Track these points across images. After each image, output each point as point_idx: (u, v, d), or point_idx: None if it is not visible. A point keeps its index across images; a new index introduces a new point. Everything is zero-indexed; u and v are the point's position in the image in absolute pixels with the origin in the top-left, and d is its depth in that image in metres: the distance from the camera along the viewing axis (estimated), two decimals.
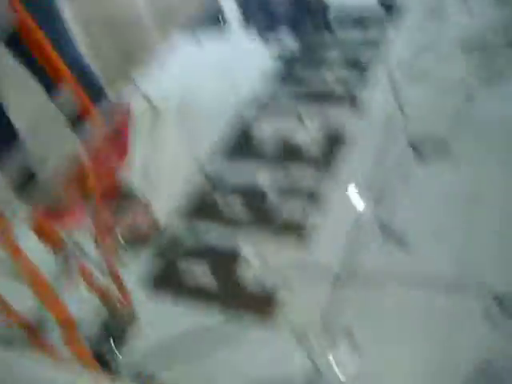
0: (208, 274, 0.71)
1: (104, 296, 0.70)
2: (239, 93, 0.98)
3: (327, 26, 1.09)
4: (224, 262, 0.72)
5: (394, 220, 0.70)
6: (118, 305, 0.69)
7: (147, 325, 0.68)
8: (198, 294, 0.70)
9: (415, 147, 0.78)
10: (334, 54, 1.01)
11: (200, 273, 0.71)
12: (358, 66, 0.97)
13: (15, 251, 0.70)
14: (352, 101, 0.90)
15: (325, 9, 1.14)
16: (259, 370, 0.60)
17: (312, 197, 0.75)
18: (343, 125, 0.86)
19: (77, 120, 1.38)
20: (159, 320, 0.68)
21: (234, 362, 0.61)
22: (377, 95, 0.91)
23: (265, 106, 0.93)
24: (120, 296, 0.70)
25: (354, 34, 1.06)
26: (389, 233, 0.68)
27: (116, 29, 2.35)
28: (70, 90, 1.38)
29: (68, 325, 0.66)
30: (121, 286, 0.71)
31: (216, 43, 1.17)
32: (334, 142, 0.83)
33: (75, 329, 0.66)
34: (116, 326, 0.68)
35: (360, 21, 1.09)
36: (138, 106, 1.04)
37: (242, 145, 0.88)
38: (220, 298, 0.68)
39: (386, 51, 0.99)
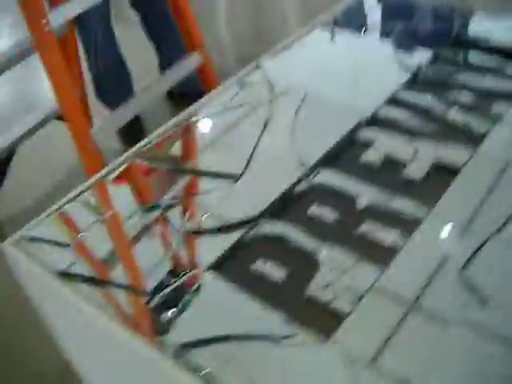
0: (280, 271, 0.71)
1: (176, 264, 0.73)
2: (361, 102, 0.99)
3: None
4: (300, 265, 0.72)
5: (479, 269, 0.67)
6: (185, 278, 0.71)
7: (203, 303, 0.68)
8: (265, 287, 0.70)
9: None
10: (466, 82, 1.00)
11: (272, 268, 0.72)
12: (487, 108, 0.94)
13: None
14: (472, 136, 0.88)
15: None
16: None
17: (406, 224, 0.74)
18: (457, 158, 0.84)
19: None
20: (217, 302, 0.68)
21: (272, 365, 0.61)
22: (501, 137, 0.88)
23: (383, 122, 0.93)
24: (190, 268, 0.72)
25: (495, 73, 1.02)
26: (470, 283, 0.65)
27: (257, 8, 2.47)
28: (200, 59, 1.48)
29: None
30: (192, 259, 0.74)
31: (351, 44, 1.17)
32: (444, 174, 0.82)
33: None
34: (178, 297, 0.69)
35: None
36: (260, 88, 1.04)
37: (350, 156, 0.88)
38: (284, 298, 0.68)
39: None
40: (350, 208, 0.81)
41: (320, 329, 0.64)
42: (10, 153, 1.67)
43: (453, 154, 0.86)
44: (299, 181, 0.86)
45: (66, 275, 0.74)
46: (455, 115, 0.94)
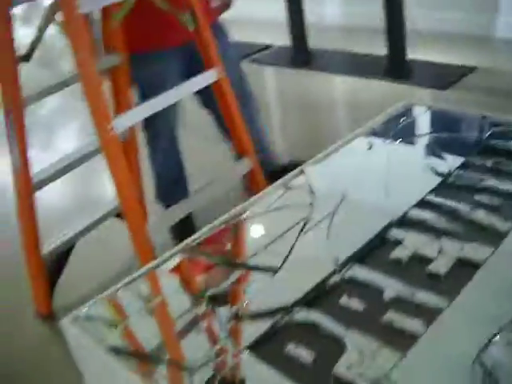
0: (309, 353, 0.80)
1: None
2: (393, 204, 1.09)
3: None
4: (328, 349, 0.80)
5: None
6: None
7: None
8: (296, 368, 0.79)
9: None
10: (492, 187, 1.09)
11: (303, 351, 0.81)
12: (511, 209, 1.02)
13: None
14: (495, 235, 0.96)
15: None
16: None
17: (428, 315, 0.82)
18: (480, 254, 0.92)
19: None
20: (253, 380, 0.79)
21: None
22: None
23: (412, 222, 1.03)
24: None
25: None
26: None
27: (309, 113, 2.72)
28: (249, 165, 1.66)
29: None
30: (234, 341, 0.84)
31: (388, 152, 1.29)
32: (466, 269, 0.89)
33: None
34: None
35: None
36: (303, 191, 1.17)
37: (380, 253, 0.98)
38: (313, 377, 0.76)
39: None
40: (377, 299, 0.88)
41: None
42: (70, 246, 1.84)
43: (476, 250, 0.93)
44: (332, 274, 0.95)
45: (116, 350, 0.84)
46: (479, 215, 1.02)
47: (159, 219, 1.71)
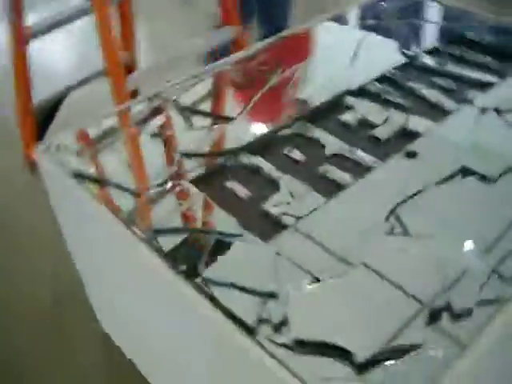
0: (245, 190, 0.89)
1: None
2: (354, 79, 1.14)
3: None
4: (263, 188, 0.88)
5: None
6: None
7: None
8: (231, 200, 0.87)
9: None
10: (451, 72, 1.15)
11: (240, 187, 0.90)
12: (462, 92, 1.08)
13: None
14: (440, 112, 1.03)
15: None
16: None
17: (360, 171, 0.90)
18: (421, 127, 0.99)
19: None
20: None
21: None
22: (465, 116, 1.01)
23: (367, 93, 1.09)
24: None
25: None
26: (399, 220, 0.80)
27: None
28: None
29: None
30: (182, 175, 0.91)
31: (358, 33, 1.33)
32: (406, 138, 0.97)
33: None
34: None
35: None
36: None
37: (331, 115, 1.04)
38: (245, 210, 0.85)
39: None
40: (318, 153, 0.95)
41: (264, 233, 0.79)
42: (61, 98, 1.88)
43: (418, 123, 0.99)
44: (282, 128, 1.01)
45: (81, 175, 0.91)
46: (431, 94, 1.07)
47: (139, 74, 1.74)
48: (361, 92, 1.10)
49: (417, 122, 0.99)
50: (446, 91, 1.08)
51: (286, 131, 1.01)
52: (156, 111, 1.07)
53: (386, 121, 1.01)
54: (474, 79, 1.11)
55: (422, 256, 0.74)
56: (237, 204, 0.86)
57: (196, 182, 0.90)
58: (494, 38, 1.25)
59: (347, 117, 1.03)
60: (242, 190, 0.89)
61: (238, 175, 0.92)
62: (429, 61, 1.19)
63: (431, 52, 1.22)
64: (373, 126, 1.00)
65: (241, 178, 0.91)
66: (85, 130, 1.03)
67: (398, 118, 1.01)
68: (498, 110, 0.99)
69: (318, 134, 0.99)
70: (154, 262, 0.76)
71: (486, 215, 0.80)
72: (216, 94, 1.16)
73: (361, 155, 0.93)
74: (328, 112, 1.05)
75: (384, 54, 1.23)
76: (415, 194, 0.84)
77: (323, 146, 0.96)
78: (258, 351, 0.63)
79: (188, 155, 0.96)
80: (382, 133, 0.98)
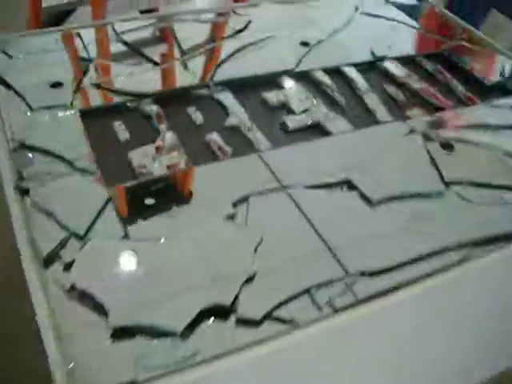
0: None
1: None
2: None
3: None
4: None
5: None
6: None
7: None
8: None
9: None
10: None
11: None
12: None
13: None
14: None
15: None
16: None
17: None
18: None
19: None
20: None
21: None
22: None
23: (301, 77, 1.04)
24: None
25: None
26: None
27: None
28: None
29: None
30: None
31: None
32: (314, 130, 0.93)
33: None
34: None
35: None
36: None
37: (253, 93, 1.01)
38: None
39: None
40: (219, 121, 0.91)
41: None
42: (70, 10, 1.88)
43: (336, 124, 0.93)
44: (200, 87, 0.97)
45: None
46: (371, 100, 1.01)
47: None
48: (302, 76, 1.03)
49: (336, 123, 0.92)
50: (394, 101, 1.01)
51: (203, 91, 0.97)
52: None
53: (305, 111, 0.94)
54: (428, 100, 1.03)
55: None
56: (115, 144, 0.84)
57: (85, 113, 0.88)
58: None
59: (269, 95, 0.97)
60: (123, 134, 0.86)
61: (127, 118, 0.89)
62: (394, 68, 1.10)
63: (406, 60, 1.13)
64: (290, 113, 0.94)
65: (128, 121, 0.88)
66: None
67: (319, 113, 0.94)
68: (426, 136, 0.91)
69: (230, 103, 0.94)
70: None
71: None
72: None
73: (257, 136, 0.88)
74: (254, 86, 0.99)
75: (361, 45, 1.15)
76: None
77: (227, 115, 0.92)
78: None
79: (97, 85, 0.94)
80: (293, 122, 0.92)
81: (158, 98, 0.94)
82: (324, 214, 0.75)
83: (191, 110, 0.93)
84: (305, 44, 1.13)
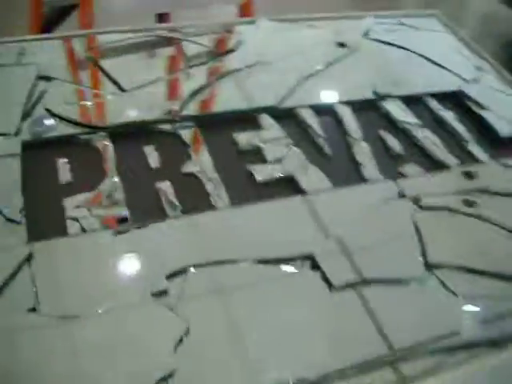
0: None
1: None
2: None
3: None
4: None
5: None
6: None
7: None
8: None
9: None
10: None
11: None
12: None
13: None
14: None
15: None
16: None
17: None
18: None
19: None
20: None
21: None
22: None
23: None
24: None
25: None
26: None
27: None
28: None
29: None
30: None
31: None
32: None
33: None
34: None
35: None
36: None
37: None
38: None
39: None
40: (177, 162, 0.79)
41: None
42: (72, 5, 1.78)
43: (310, 180, 0.80)
44: (165, 122, 0.85)
45: None
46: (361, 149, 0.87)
47: None
48: (287, 114, 0.91)
49: (312, 179, 0.80)
50: (388, 153, 0.88)
51: (166, 127, 0.85)
52: None
53: (279, 161, 0.82)
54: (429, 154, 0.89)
55: None
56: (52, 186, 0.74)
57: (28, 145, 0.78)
58: None
59: (241, 137, 0.85)
60: (65, 174, 0.76)
61: (75, 154, 0.79)
62: (396, 109, 0.96)
63: (412, 99, 0.99)
64: (261, 160, 0.82)
65: (75, 158, 0.78)
66: None
67: (294, 164, 0.82)
68: (417, 201, 0.78)
69: (193, 143, 0.83)
70: None
71: None
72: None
73: (217, 190, 0.76)
74: (228, 123, 0.88)
75: (363, 78, 1.02)
76: None
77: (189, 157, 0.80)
78: None
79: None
80: (261, 173, 0.80)
81: (113, 133, 0.83)
82: (273, 300, 0.63)
83: (148, 149, 0.82)
84: (297, 73, 0.99)
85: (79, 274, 0.63)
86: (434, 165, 0.87)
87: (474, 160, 0.88)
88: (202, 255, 0.66)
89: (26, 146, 0.78)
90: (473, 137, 0.93)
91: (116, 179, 0.76)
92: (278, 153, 0.84)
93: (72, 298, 0.60)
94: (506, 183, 0.83)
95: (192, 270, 0.65)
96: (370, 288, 0.66)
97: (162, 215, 0.72)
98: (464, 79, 1.06)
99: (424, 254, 0.71)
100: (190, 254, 0.66)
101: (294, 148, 0.85)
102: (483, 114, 0.97)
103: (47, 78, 0.90)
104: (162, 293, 0.62)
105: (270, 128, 0.88)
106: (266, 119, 0.89)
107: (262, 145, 0.85)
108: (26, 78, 0.89)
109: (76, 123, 0.83)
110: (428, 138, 0.91)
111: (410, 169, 0.86)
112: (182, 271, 0.65)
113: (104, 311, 0.59)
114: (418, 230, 0.74)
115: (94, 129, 0.82)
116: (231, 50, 1.03)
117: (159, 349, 0.57)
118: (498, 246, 0.73)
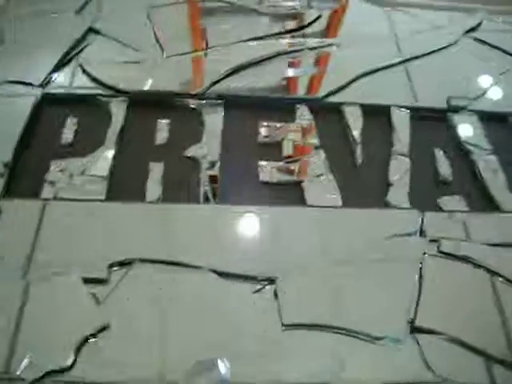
0: None
1: None
2: None
3: None
4: None
5: None
6: None
7: None
8: None
9: None
10: None
11: None
12: None
13: None
14: None
15: None
16: None
17: None
18: None
19: None
20: None
21: None
22: None
23: None
24: None
25: None
26: None
27: None
28: None
29: None
30: None
31: None
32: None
33: None
34: None
35: None
36: None
37: None
38: None
39: None
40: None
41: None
42: None
43: None
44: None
45: None
46: None
47: None
48: (330, 109, 0.80)
49: (320, 190, 0.70)
50: (434, 177, 0.74)
51: (191, 100, 0.79)
52: None
53: (294, 161, 0.72)
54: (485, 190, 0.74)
55: None
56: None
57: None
58: None
59: (265, 128, 0.77)
60: (68, 136, 0.74)
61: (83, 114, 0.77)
62: (466, 126, 0.80)
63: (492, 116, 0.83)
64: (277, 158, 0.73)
65: (84, 119, 0.76)
66: None
67: (308, 170, 0.72)
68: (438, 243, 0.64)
69: (213, 123, 0.76)
70: None
71: None
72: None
73: (203, 180, 0.70)
74: (260, 108, 0.80)
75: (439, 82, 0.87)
76: None
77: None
78: None
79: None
80: (266, 174, 0.71)
81: (134, 99, 0.79)
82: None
83: (161, 123, 0.77)
84: (363, 64, 0.86)
85: (27, 238, 0.60)
86: (485, 203, 0.71)
87: None
88: (159, 250, 0.60)
89: (44, 100, 0.77)
90: None
91: (112, 151, 0.71)
92: (296, 151, 0.74)
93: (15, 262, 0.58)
94: None
95: (138, 265, 0.59)
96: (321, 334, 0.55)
97: (140, 198, 0.67)
98: None
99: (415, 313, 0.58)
100: (148, 246, 0.61)
101: (320, 150, 0.74)
102: None
103: (96, 32, 0.88)
104: (99, 281, 0.58)
105: (301, 121, 0.78)
106: (303, 112, 0.79)
107: (284, 140, 0.75)
108: (78, 28, 0.88)
109: (101, 83, 0.79)
110: (491, 169, 0.75)
111: (451, 202, 0.71)
112: (129, 262, 0.59)
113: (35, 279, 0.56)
114: (421, 280, 0.61)
115: (117, 92, 0.78)
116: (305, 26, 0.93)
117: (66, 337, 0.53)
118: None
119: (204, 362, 0.52)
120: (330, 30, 0.92)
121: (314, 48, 0.89)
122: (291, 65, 0.85)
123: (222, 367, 0.52)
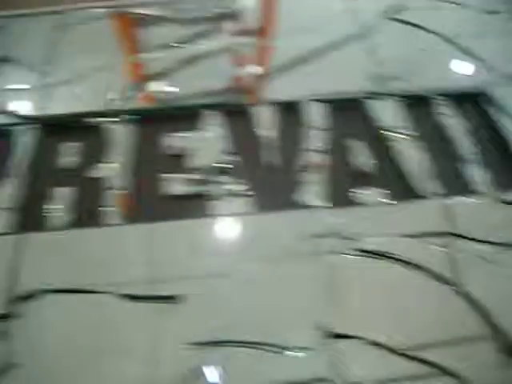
0: None
1: None
2: None
3: None
4: None
5: None
6: None
7: None
8: None
9: None
10: None
11: None
12: None
13: None
14: None
15: None
16: None
17: None
18: None
19: None
20: None
21: None
22: None
23: None
24: None
25: None
26: None
27: None
28: None
29: None
30: None
31: None
32: None
33: None
34: None
35: None
36: None
37: None
38: None
39: None
40: None
41: None
42: None
43: None
44: None
45: None
46: None
47: None
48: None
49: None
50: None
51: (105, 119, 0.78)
52: None
53: (206, 170, 0.70)
54: None
55: None
56: None
57: None
58: None
59: (175, 139, 0.74)
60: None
61: None
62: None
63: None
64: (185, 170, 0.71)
65: None
66: None
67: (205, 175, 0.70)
68: None
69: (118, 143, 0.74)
70: None
71: None
72: None
73: (110, 200, 0.68)
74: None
75: None
76: None
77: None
78: None
79: None
80: (178, 186, 0.69)
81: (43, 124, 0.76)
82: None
83: (69, 146, 0.75)
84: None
85: None
86: (402, 193, 0.69)
87: (470, 191, 0.68)
88: (69, 277, 0.59)
89: None
90: (483, 158, 0.72)
91: (16, 180, 0.70)
92: (205, 160, 0.72)
93: None
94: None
95: (48, 297, 0.57)
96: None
97: (45, 226, 0.65)
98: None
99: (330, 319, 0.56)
100: (57, 274, 0.59)
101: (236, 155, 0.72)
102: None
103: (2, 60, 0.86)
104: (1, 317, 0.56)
105: (209, 129, 0.76)
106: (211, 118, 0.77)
107: (195, 149, 0.73)
108: None
109: (9, 113, 0.78)
110: (411, 156, 0.72)
111: (369, 195, 0.68)
112: (37, 294, 0.58)
113: None
114: (331, 284, 0.58)
115: (26, 119, 0.77)
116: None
117: None
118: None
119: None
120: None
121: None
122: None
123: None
